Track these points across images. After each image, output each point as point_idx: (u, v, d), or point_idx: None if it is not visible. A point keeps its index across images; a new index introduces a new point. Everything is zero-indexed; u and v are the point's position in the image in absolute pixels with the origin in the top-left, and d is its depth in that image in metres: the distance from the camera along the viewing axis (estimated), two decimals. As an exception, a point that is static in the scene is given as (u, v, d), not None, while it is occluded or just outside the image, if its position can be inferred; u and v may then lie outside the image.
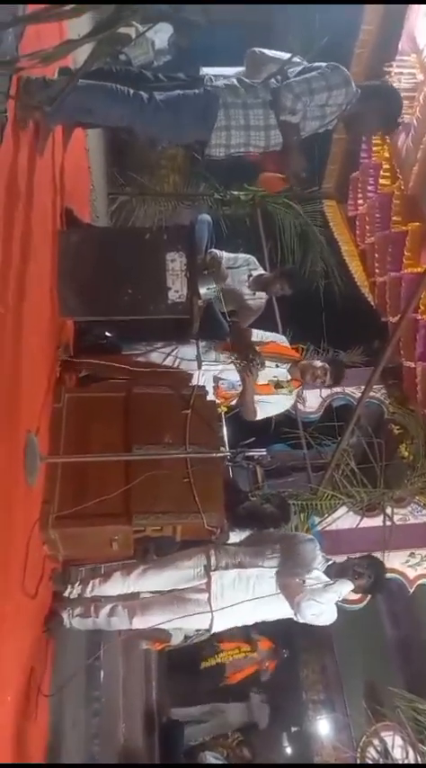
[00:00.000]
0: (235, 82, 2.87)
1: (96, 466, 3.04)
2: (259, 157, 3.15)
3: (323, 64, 2.89)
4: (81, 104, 2.68)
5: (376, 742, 4.90)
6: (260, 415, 3.87)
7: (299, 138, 2.95)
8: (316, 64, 2.90)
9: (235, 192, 6.57)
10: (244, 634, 6.27)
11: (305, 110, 2.83)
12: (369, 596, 4.55)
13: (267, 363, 3.76)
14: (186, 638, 3.38)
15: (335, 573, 3.13)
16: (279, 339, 4.14)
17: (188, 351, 3.73)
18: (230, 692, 6.94)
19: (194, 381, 3.62)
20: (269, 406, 3.91)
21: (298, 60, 2.92)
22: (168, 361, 3.70)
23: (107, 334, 3.78)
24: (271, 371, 3.80)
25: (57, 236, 3.27)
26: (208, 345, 3.82)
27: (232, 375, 3.75)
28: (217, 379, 3.75)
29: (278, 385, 3.81)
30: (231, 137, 2.85)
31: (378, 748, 4.77)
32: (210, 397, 3.69)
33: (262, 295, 4.36)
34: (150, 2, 1.52)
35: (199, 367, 3.62)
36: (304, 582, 3.02)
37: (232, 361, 3.73)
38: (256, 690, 7.10)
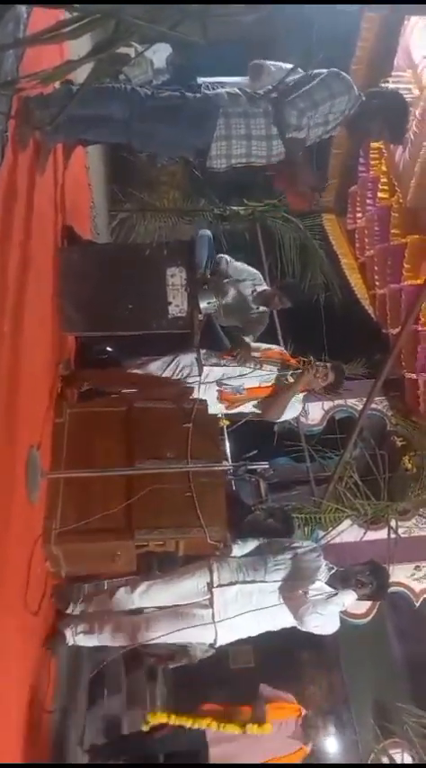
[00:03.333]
0: (237, 90, 2.86)
1: (98, 481, 3.04)
2: (273, 174, 3.10)
3: (324, 71, 2.87)
4: (79, 111, 2.63)
5: (384, 759, 4.83)
6: (283, 417, 3.91)
7: (307, 152, 2.93)
8: (316, 71, 2.88)
9: (235, 208, 6.63)
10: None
11: (309, 124, 2.82)
12: (375, 611, 4.53)
13: (269, 367, 3.81)
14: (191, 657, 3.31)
15: (338, 581, 3.13)
16: (281, 350, 4.17)
17: (188, 358, 3.74)
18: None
19: (195, 393, 3.63)
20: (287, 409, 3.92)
21: (300, 71, 2.91)
22: (169, 371, 3.71)
23: (108, 349, 3.80)
24: (275, 375, 3.83)
25: (57, 253, 3.30)
26: (208, 352, 3.85)
27: (234, 380, 3.76)
28: (220, 383, 3.76)
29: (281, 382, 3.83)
30: (232, 147, 2.83)
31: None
32: (214, 402, 3.70)
33: (265, 309, 4.39)
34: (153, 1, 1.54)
35: (200, 371, 3.62)
36: (306, 594, 3.01)
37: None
38: None
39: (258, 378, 3.81)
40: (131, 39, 2.27)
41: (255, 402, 3.86)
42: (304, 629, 3.10)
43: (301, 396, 3.94)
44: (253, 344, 3.97)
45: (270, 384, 3.82)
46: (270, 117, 2.82)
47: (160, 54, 5.45)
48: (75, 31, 1.72)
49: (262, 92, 2.88)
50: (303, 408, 4.30)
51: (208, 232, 4.61)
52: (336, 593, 3.05)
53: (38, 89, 2.47)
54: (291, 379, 3.83)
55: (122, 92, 2.73)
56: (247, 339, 3.91)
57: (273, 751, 3.28)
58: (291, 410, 3.91)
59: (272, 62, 2.94)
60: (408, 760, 4.71)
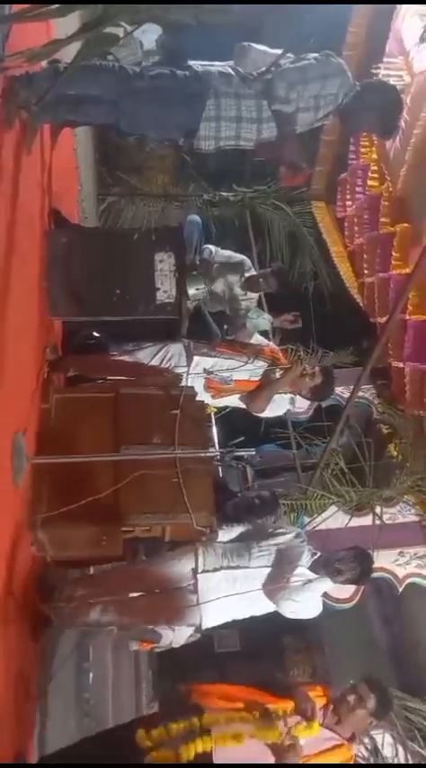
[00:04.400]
0: (230, 70, 2.80)
1: (84, 466, 3.03)
2: (257, 149, 3.06)
3: (316, 54, 2.83)
4: (66, 91, 2.57)
5: (365, 740, 4.91)
6: (267, 413, 3.89)
7: (294, 131, 2.89)
8: (310, 54, 2.84)
9: (224, 193, 6.59)
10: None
11: (298, 100, 2.77)
12: (360, 596, 4.59)
13: (260, 362, 3.80)
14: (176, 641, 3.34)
15: (321, 567, 3.16)
16: (274, 347, 4.13)
17: (177, 347, 3.72)
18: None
19: (184, 380, 3.62)
20: (272, 405, 3.91)
21: (290, 56, 2.86)
22: (157, 360, 3.69)
23: (95, 334, 3.78)
24: (264, 370, 3.82)
25: (45, 237, 3.26)
26: (198, 342, 3.82)
27: (223, 371, 3.75)
28: (208, 372, 3.75)
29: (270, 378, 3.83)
30: (221, 128, 2.79)
31: (368, 746, 4.78)
32: (201, 389, 3.69)
33: (254, 296, 4.39)
34: (140, 2, 1.52)
35: (189, 361, 3.60)
36: (288, 580, 3.04)
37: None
38: None
39: (248, 371, 3.80)
40: (120, 18, 2.24)
41: (240, 395, 3.86)
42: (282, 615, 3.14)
43: (287, 396, 3.93)
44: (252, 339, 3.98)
45: (258, 378, 3.81)
46: (260, 98, 2.77)
47: (149, 35, 5.38)
48: (62, 9, 1.69)
49: (256, 73, 2.83)
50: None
51: (198, 218, 4.60)
52: (312, 581, 3.08)
53: (24, 68, 2.43)
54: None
55: (110, 70, 2.68)
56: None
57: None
58: (276, 407, 3.90)
59: (258, 45, 2.88)
60: (389, 741, 4.80)
